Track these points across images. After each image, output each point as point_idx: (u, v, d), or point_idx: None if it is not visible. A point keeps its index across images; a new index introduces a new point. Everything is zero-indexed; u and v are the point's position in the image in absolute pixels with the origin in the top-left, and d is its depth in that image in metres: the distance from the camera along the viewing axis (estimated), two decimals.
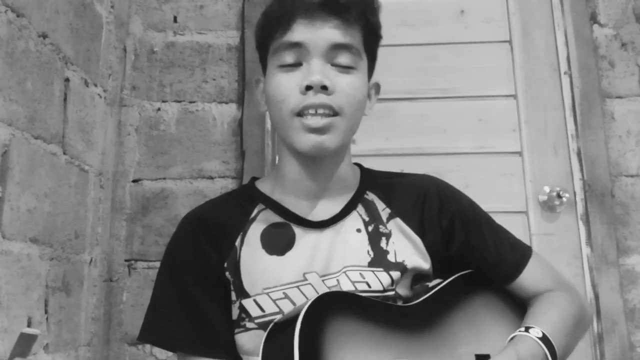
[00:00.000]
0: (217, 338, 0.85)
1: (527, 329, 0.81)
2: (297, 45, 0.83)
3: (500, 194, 1.67)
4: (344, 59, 0.84)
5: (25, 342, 0.57)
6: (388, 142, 1.71)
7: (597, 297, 1.54)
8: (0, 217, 1.10)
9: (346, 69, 0.85)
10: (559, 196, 1.62)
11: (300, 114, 0.82)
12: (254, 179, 0.98)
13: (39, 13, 1.25)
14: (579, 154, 1.65)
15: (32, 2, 1.22)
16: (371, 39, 0.90)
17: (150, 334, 0.87)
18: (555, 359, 0.80)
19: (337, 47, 0.84)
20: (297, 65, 0.84)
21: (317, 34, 0.83)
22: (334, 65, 0.84)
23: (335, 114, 0.83)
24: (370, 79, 0.92)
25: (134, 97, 1.74)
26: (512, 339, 0.82)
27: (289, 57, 0.84)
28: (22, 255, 1.17)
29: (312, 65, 0.83)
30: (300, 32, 0.83)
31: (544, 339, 0.80)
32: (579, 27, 1.72)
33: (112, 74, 1.66)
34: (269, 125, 1.69)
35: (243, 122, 1.69)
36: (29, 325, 1.19)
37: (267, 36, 0.88)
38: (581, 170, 1.64)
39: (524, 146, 1.69)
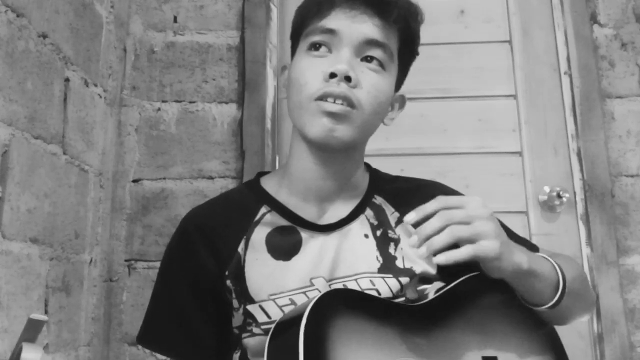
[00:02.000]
0: (203, 346, 0.85)
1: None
2: (331, 31, 0.82)
3: (500, 194, 1.67)
4: (374, 54, 0.83)
5: (33, 328, 0.59)
6: (388, 142, 1.71)
7: (597, 297, 1.54)
8: (0, 217, 1.10)
9: (375, 66, 0.83)
10: (559, 196, 1.62)
11: (318, 99, 0.80)
12: (260, 174, 0.95)
13: (39, 13, 1.25)
14: (579, 154, 1.65)
15: (32, 2, 1.22)
16: (407, 49, 0.88)
17: (144, 337, 0.89)
18: (565, 285, 0.79)
19: (371, 43, 0.82)
20: (326, 51, 0.83)
21: (353, 25, 0.82)
22: (363, 60, 0.82)
23: (353, 107, 0.80)
24: (398, 90, 0.91)
25: (134, 97, 1.74)
26: None
27: (319, 40, 0.83)
28: (22, 255, 1.17)
29: (341, 55, 0.81)
30: (337, 19, 0.82)
31: (555, 265, 0.81)
32: (579, 27, 1.72)
33: (112, 74, 1.66)
34: (269, 125, 1.69)
35: (243, 122, 1.69)
36: None
37: (303, 21, 0.86)
38: (581, 170, 1.64)
39: (524, 146, 1.69)
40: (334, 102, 0.79)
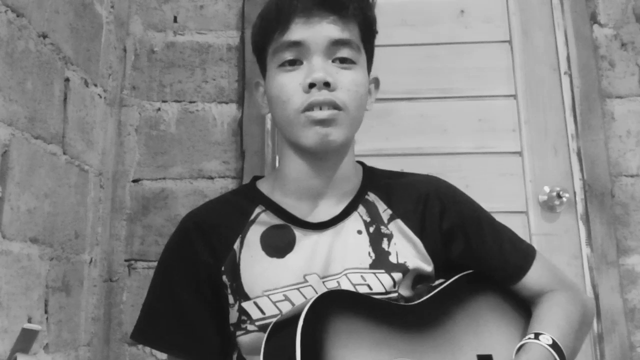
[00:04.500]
0: (204, 342, 0.86)
1: (536, 336, 0.81)
2: (296, 44, 0.83)
3: (500, 194, 1.66)
4: (344, 54, 0.84)
5: (26, 338, 0.58)
6: (388, 142, 1.71)
7: (597, 297, 1.54)
8: (0, 217, 1.10)
9: (347, 64, 0.85)
10: (559, 196, 1.62)
11: (305, 111, 0.82)
12: (256, 178, 0.98)
13: (39, 13, 1.25)
14: (579, 154, 1.65)
15: (32, 2, 1.22)
16: (368, 34, 0.90)
17: (141, 333, 0.89)
18: None
19: (337, 44, 0.84)
20: (298, 64, 0.84)
21: (315, 31, 0.83)
22: (334, 61, 0.84)
23: (339, 109, 0.82)
24: (369, 74, 0.92)
25: (134, 97, 1.74)
26: (522, 346, 0.81)
27: (289, 57, 0.84)
28: (22, 255, 1.17)
29: (314, 63, 0.83)
30: (298, 30, 0.83)
31: (554, 345, 0.80)
32: (579, 27, 1.72)
33: (112, 74, 1.66)
34: (269, 125, 1.69)
35: (243, 122, 1.69)
36: None
37: (265, 38, 0.88)
38: (581, 170, 1.64)
39: (524, 146, 1.69)
40: (320, 109, 0.82)
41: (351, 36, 0.85)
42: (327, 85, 0.81)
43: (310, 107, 0.82)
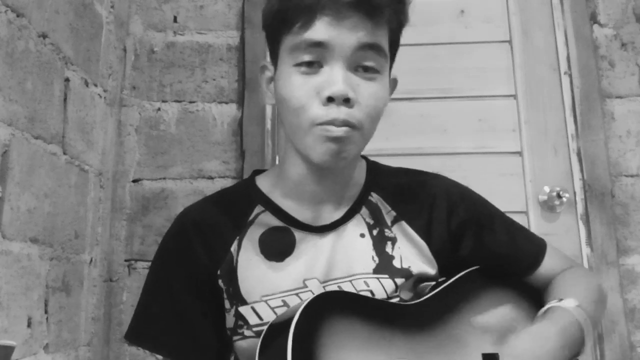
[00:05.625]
0: (202, 344, 0.83)
1: (559, 300, 0.80)
2: (319, 44, 0.75)
3: (500, 194, 1.66)
4: (369, 62, 0.78)
5: (2, 354, 0.58)
6: (388, 142, 1.71)
7: None
8: (0, 217, 1.10)
9: (370, 74, 0.78)
10: (559, 196, 1.62)
11: (319, 125, 0.76)
12: (256, 172, 0.93)
13: (39, 13, 1.25)
14: (579, 154, 1.65)
15: (32, 2, 1.22)
16: (396, 39, 0.84)
17: (135, 333, 0.86)
18: (589, 327, 0.78)
19: (364, 48, 0.77)
20: (316, 66, 0.77)
21: (342, 33, 0.75)
22: (357, 69, 0.78)
23: (354, 128, 0.76)
24: (390, 75, 0.87)
25: (134, 97, 1.74)
26: (545, 311, 0.80)
27: (308, 58, 0.76)
28: (22, 255, 1.17)
29: (335, 72, 0.76)
30: (324, 30, 0.75)
31: (579, 309, 0.78)
32: (579, 27, 1.72)
33: (112, 74, 1.66)
34: (269, 125, 1.69)
35: (243, 122, 1.69)
36: (29, 326, 1.19)
37: (282, 25, 0.79)
38: (581, 170, 1.64)
39: (524, 146, 1.69)
40: (336, 126, 0.76)
41: (380, 41, 0.78)
42: (346, 101, 0.75)
43: (327, 124, 0.75)
